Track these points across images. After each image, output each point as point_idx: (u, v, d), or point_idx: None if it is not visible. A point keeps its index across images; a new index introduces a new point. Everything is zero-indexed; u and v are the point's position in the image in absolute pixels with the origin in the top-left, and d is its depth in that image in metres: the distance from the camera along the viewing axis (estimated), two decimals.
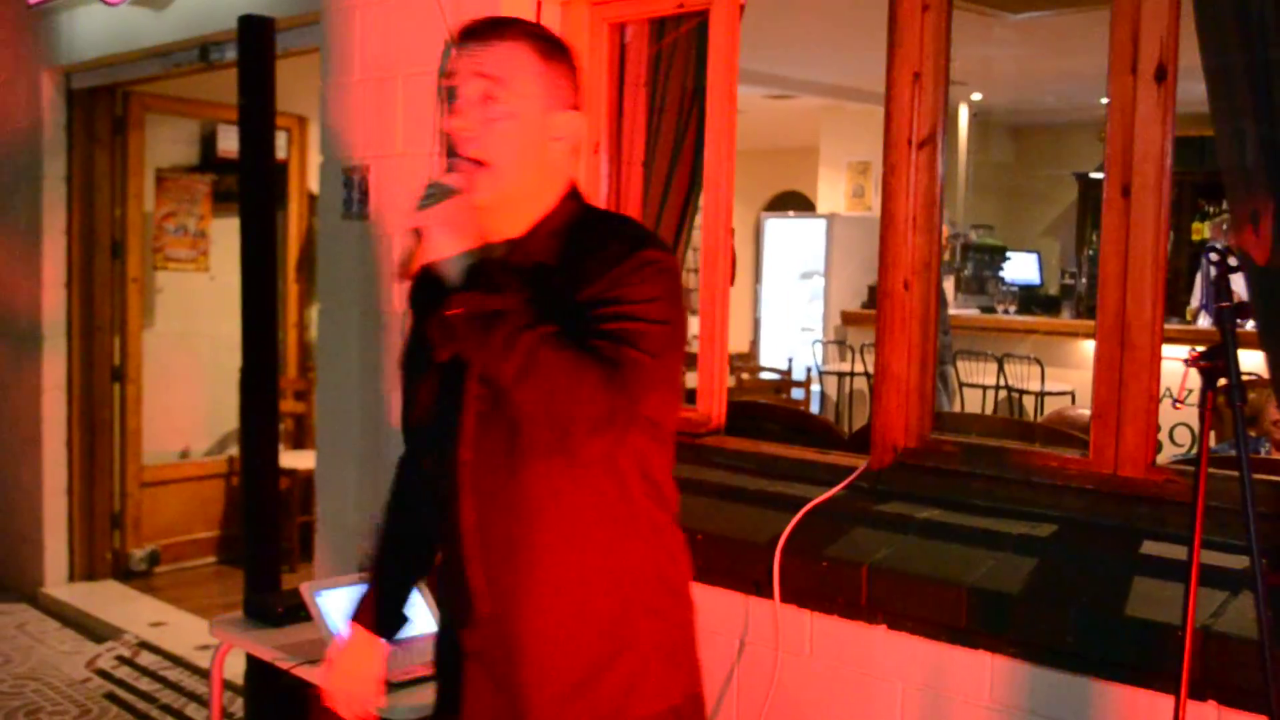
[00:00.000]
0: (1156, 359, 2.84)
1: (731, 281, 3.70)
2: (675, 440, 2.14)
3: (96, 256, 6.38)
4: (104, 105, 6.32)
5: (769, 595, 3.12)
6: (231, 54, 5.06)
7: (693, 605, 2.18)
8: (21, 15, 6.22)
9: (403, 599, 2.33)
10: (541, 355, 1.77)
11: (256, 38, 3.80)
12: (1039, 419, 8.35)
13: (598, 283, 1.87)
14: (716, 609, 3.29)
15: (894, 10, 3.19)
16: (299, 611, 3.22)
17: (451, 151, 1.96)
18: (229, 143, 6.98)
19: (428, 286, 2.02)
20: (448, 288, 1.86)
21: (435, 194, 1.88)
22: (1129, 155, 2.84)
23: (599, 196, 3.92)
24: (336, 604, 3.08)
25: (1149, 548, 2.75)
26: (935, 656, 2.87)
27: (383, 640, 2.30)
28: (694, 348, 6.96)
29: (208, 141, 7.09)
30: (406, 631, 2.38)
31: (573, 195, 2.04)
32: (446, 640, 2.13)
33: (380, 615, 2.30)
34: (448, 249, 1.85)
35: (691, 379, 7.48)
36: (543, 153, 1.96)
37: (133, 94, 6.36)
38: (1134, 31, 2.83)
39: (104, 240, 6.39)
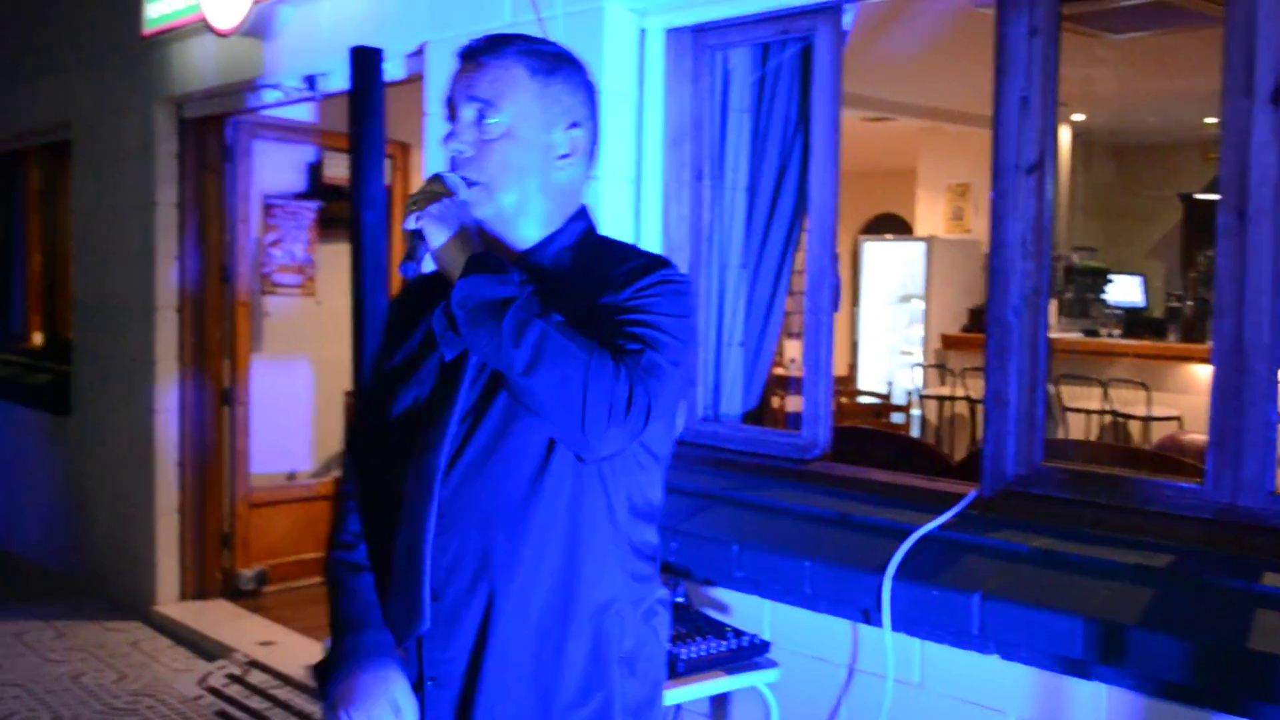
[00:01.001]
0: (1275, 384, 2.79)
1: (838, 307, 3.69)
2: (666, 478, 2.07)
3: (207, 282, 6.51)
4: (214, 134, 6.46)
5: (878, 623, 3.10)
6: (338, 83, 5.17)
7: (664, 670, 2.10)
8: (136, 47, 6.39)
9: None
10: (554, 340, 1.76)
11: (367, 69, 3.87)
12: (1150, 445, 8.20)
13: (619, 292, 1.88)
14: (824, 636, 3.28)
15: (1000, 35, 3.17)
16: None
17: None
18: (335, 170, 7.10)
19: (418, 295, 2.05)
20: (449, 283, 1.85)
21: (429, 193, 1.91)
22: (1244, 180, 2.79)
23: (703, 222, 3.94)
24: None
25: (1271, 579, 2.69)
26: (1050, 688, 2.84)
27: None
28: (791, 370, 6.96)
29: (314, 169, 7.22)
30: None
31: (582, 215, 2.05)
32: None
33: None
34: (451, 247, 1.88)
35: (795, 402, 7.47)
36: (546, 171, 1.97)
37: (242, 122, 6.49)
38: (1249, 52, 2.79)
39: (214, 266, 6.52)
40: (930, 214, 11.67)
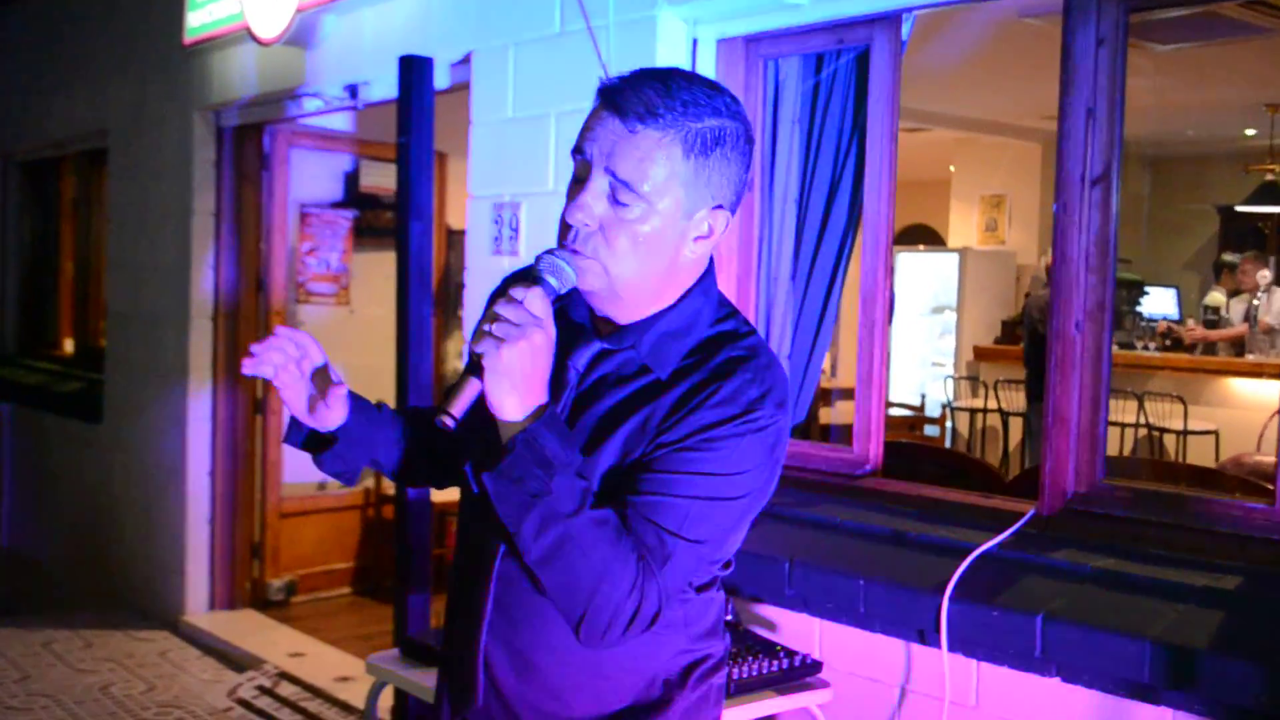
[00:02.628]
0: None
1: (891, 320, 3.64)
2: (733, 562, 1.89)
3: (242, 291, 6.49)
4: (252, 142, 6.44)
5: (934, 644, 3.04)
6: (380, 93, 5.13)
7: None
8: (175, 55, 6.38)
9: (366, 425, 2.02)
10: (573, 545, 1.58)
11: (417, 77, 3.83)
12: (1181, 459, 8.11)
13: (683, 421, 1.65)
14: (877, 656, 3.22)
15: (1066, 46, 3.12)
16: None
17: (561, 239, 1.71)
18: (371, 179, 7.09)
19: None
20: (496, 435, 1.61)
21: (511, 312, 1.58)
22: None
23: (753, 235, 3.88)
24: None
25: None
26: (1114, 712, 2.78)
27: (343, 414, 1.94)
28: (832, 381, 6.90)
29: (350, 178, 7.19)
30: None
31: (704, 289, 1.78)
32: None
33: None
34: (509, 403, 1.58)
35: (838, 412, 7.40)
36: (676, 256, 1.71)
37: (279, 131, 6.47)
38: None
39: (249, 275, 6.50)
40: (963, 225, 11.60)
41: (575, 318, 1.79)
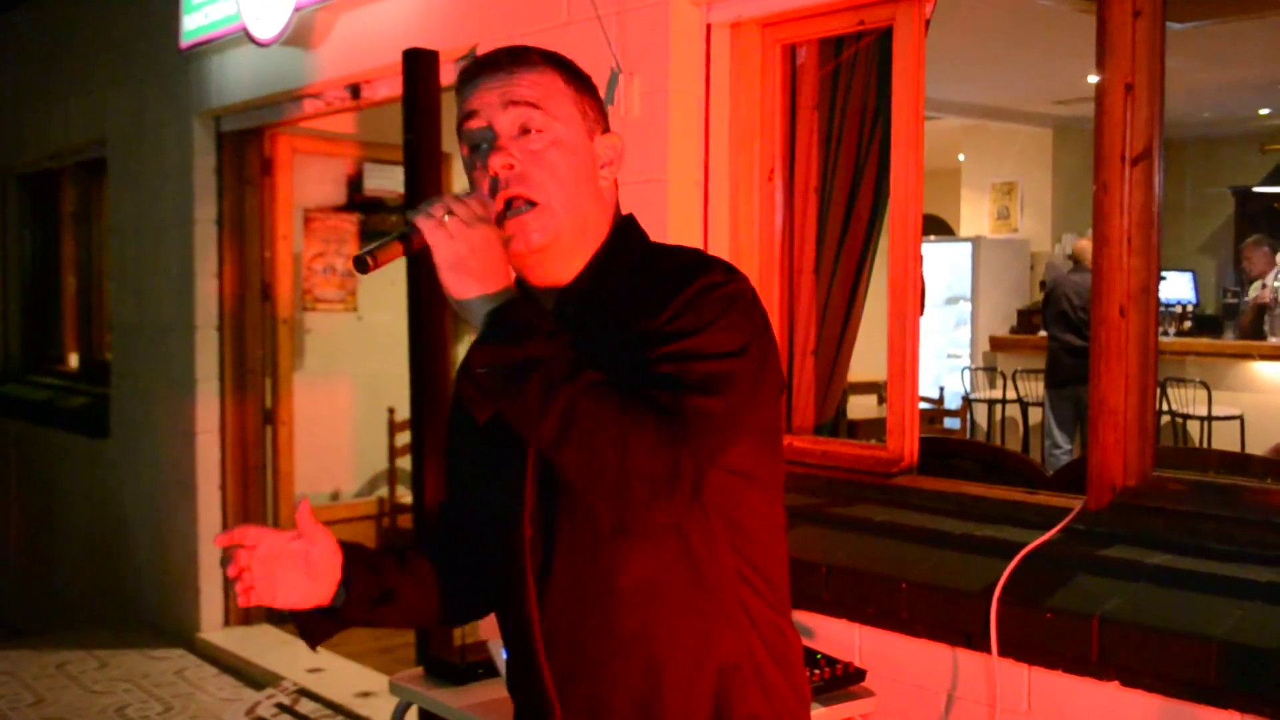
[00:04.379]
0: None
1: (921, 311, 3.50)
2: (783, 496, 1.81)
3: (247, 299, 6.36)
4: (253, 147, 6.32)
5: (982, 648, 2.91)
6: (384, 91, 5.01)
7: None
8: (173, 61, 6.25)
9: (387, 574, 1.85)
10: (583, 410, 1.50)
11: (422, 72, 3.70)
12: (1207, 445, 7.98)
13: (654, 318, 1.62)
14: (922, 662, 3.09)
15: (1103, 18, 2.98)
16: (477, 668, 3.08)
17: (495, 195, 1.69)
18: (375, 181, 6.97)
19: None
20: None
21: (458, 207, 1.61)
22: None
23: (775, 225, 3.75)
24: None
25: None
26: (1177, 717, 2.63)
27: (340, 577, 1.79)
28: (859, 376, 6.75)
29: (354, 181, 7.07)
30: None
31: (625, 226, 1.81)
32: None
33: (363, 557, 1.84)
34: (466, 288, 1.58)
35: (861, 406, 7.26)
36: (594, 182, 1.75)
37: (281, 135, 6.35)
38: None
39: (254, 282, 6.37)
40: (975, 214, 11.48)
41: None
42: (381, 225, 7.02)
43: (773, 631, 1.75)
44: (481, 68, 1.73)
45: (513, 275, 1.65)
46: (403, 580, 1.86)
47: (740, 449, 1.65)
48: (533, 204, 1.67)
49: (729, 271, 1.68)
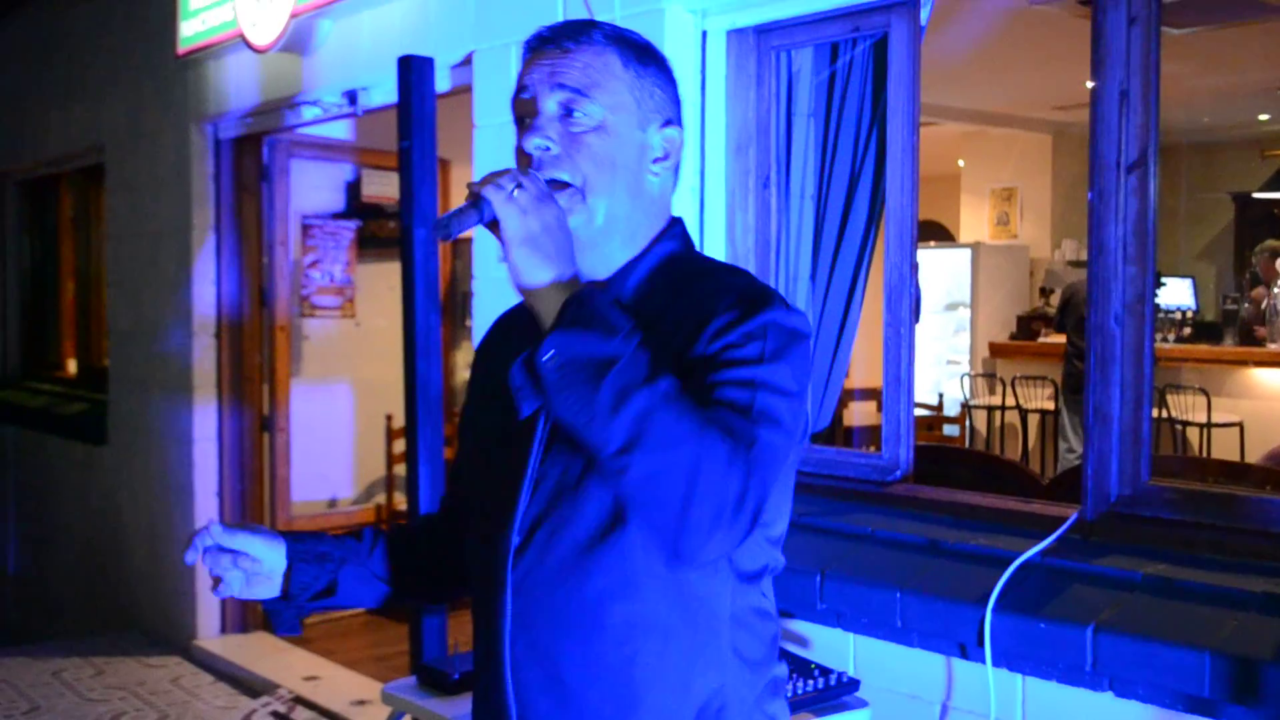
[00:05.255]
0: None
1: (919, 318, 3.49)
2: (781, 544, 1.73)
3: (245, 305, 6.36)
4: (251, 153, 6.31)
5: (976, 658, 2.90)
6: (380, 98, 5.01)
7: None
8: (170, 67, 6.25)
9: (342, 574, 1.84)
10: (659, 418, 1.40)
11: (417, 78, 3.69)
12: (1208, 454, 7.96)
13: (716, 339, 1.53)
14: (916, 672, 3.08)
15: (1097, 25, 2.97)
16: (471, 678, 3.06)
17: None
18: (373, 188, 6.97)
19: (509, 330, 1.78)
20: (538, 326, 1.49)
21: (527, 182, 1.51)
22: None
23: (770, 233, 3.74)
24: None
25: None
26: None
27: (281, 566, 1.80)
28: (857, 382, 6.73)
29: (352, 187, 7.06)
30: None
31: (674, 234, 1.72)
32: None
33: (304, 555, 1.81)
34: (538, 270, 1.49)
35: (858, 413, 7.25)
36: (640, 177, 1.66)
37: (278, 141, 6.34)
38: None
39: (252, 289, 6.36)
40: (975, 220, 11.46)
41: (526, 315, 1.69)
42: (380, 232, 7.02)
43: (760, 677, 1.68)
44: (542, 41, 1.67)
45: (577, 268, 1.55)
46: (358, 569, 1.85)
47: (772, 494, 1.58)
48: (565, 185, 1.61)
49: (792, 306, 1.61)
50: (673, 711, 1.59)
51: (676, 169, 1.74)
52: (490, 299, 4.29)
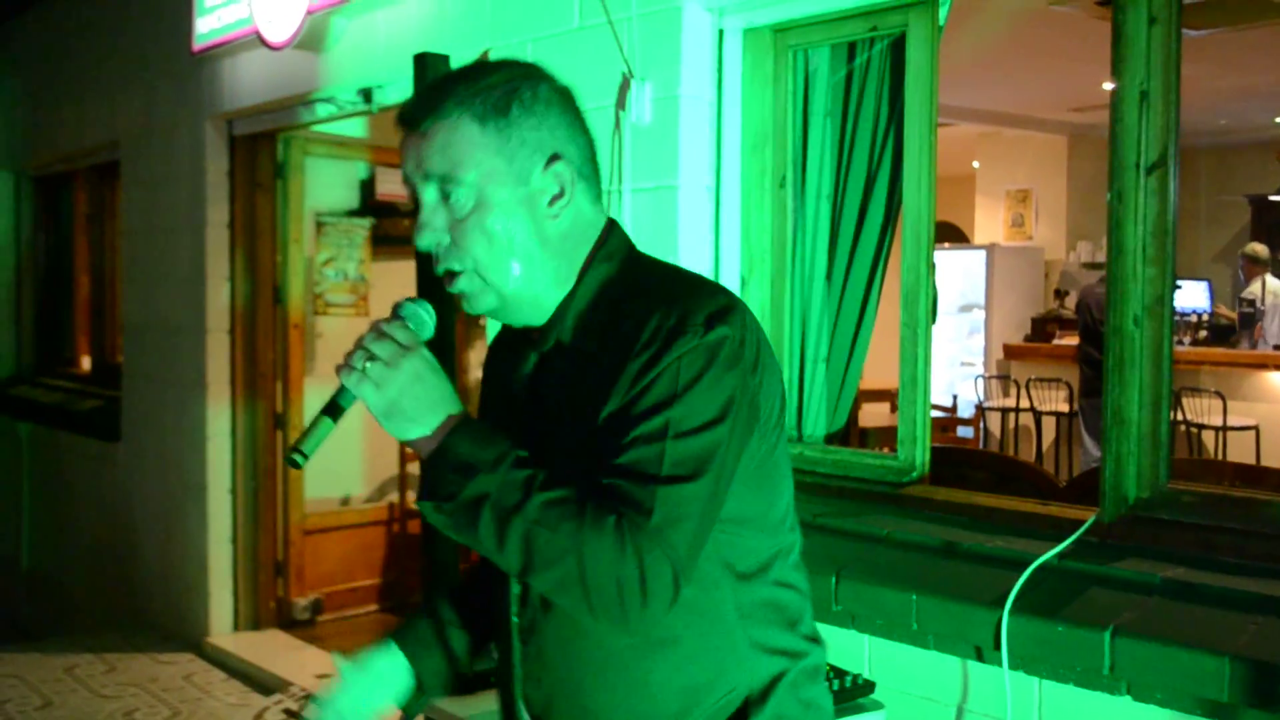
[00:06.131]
0: None
1: (934, 320, 3.47)
2: (790, 520, 1.74)
3: (259, 303, 6.35)
4: (265, 151, 6.31)
5: (993, 661, 2.87)
6: (395, 95, 5.00)
7: None
8: (185, 64, 6.25)
9: (456, 647, 1.92)
10: (540, 538, 1.47)
11: (432, 77, 3.68)
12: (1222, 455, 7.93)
13: (632, 385, 1.53)
14: (931, 674, 3.06)
15: (1118, 25, 2.95)
16: (488, 677, 3.04)
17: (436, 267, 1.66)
18: (388, 186, 6.95)
19: (503, 350, 1.80)
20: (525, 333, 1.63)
21: (379, 348, 1.57)
22: None
23: (786, 233, 3.72)
24: None
25: None
26: None
27: (406, 674, 1.88)
28: (872, 383, 6.71)
29: (367, 185, 7.05)
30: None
31: (603, 255, 1.69)
32: None
33: (419, 645, 1.89)
34: (404, 430, 1.56)
35: (872, 414, 7.21)
36: (539, 226, 1.63)
37: (293, 138, 6.33)
38: None
39: (265, 286, 6.36)
40: (989, 221, 11.44)
41: (509, 336, 1.78)
42: (394, 230, 7.00)
43: (788, 664, 1.69)
44: (403, 124, 1.65)
45: (454, 404, 1.59)
46: (459, 632, 1.92)
47: (729, 501, 1.59)
48: (465, 271, 1.63)
49: (710, 318, 1.56)
50: (693, 712, 1.62)
51: (589, 183, 1.70)
52: None
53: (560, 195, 1.65)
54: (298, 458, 1.56)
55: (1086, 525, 2.99)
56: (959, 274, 10.60)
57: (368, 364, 1.55)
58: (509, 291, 1.63)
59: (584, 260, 1.68)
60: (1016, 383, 9.41)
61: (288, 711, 5.39)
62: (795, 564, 1.74)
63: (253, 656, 6.02)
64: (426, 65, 3.68)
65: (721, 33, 3.73)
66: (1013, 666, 2.83)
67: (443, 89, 1.63)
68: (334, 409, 1.58)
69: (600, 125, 3.86)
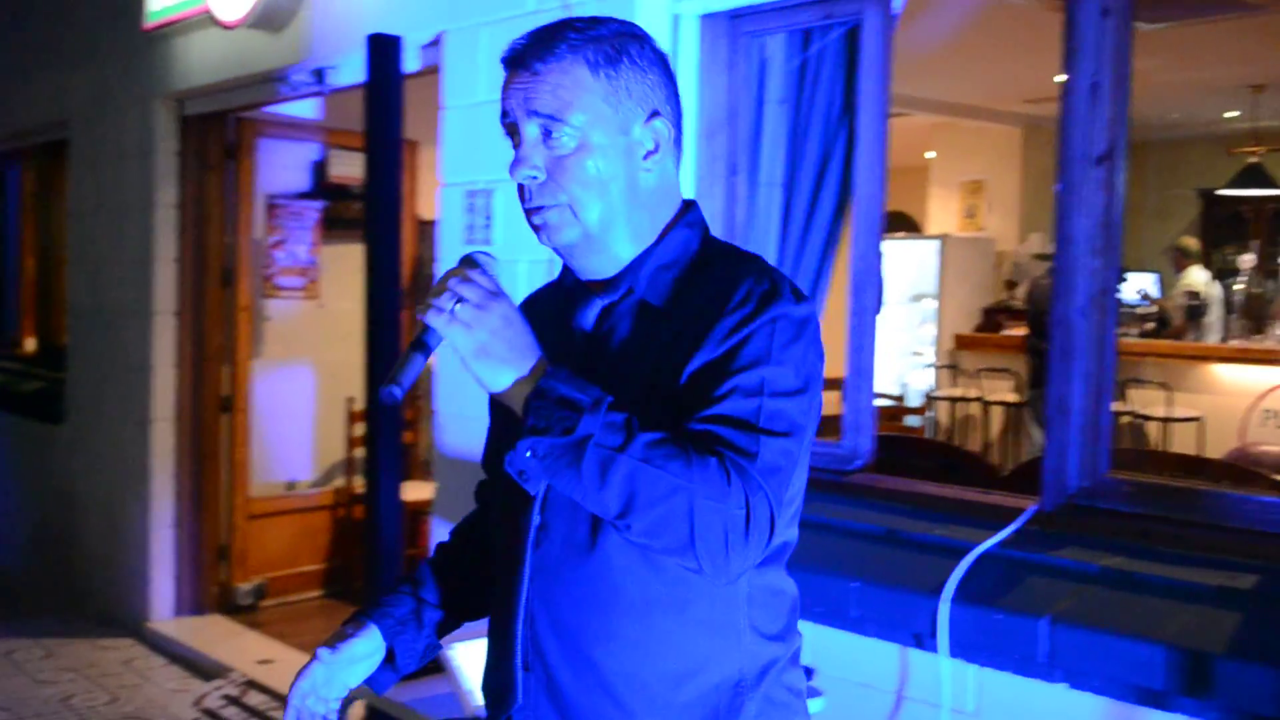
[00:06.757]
0: None
1: (882, 308, 3.48)
2: (799, 509, 1.76)
3: (207, 285, 6.29)
4: (216, 131, 6.24)
5: (932, 649, 2.89)
6: (348, 77, 4.95)
7: None
8: (136, 41, 6.17)
9: (430, 625, 1.93)
10: (644, 479, 1.46)
11: (384, 58, 3.65)
12: (1167, 447, 8.00)
13: (718, 336, 1.58)
14: (871, 661, 3.08)
15: (1070, 15, 2.96)
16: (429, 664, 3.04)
17: (527, 204, 1.69)
18: (340, 168, 6.89)
19: (531, 314, 1.75)
20: (560, 310, 1.64)
21: (458, 278, 1.56)
22: None
23: (737, 220, 3.72)
24: (471, 659, 2.89)
25: None
26: (1124, 719, 2.63)
27: (381, 653, 1.89)
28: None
29: (318, 167, 6.99)
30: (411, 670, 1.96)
31: (687, 221, 1.75)
32: None
33: (397, 624, 1.89)
34: (497, 376, 1.54)
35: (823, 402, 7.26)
36: (632, 177, 1.68)
37: (244, 119, 6.27)
38: None
39: (214, 269, 6.30)
40: (943, 212, 11.48)
41: (569, 284, 1.77)
42: (346, 213, 6.94)
43: (778, 650, 1.72)
44: (512, 62, 1.68)
45: (539, 350, 1.58)
46: (435, 610, 1.93)
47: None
48: (556, 206, 1.66)
49: (797, 293, 1.64)
50: (690, 682, 1.65)
51: (678, 150, 1.75)
52: None
53: (655, 151, 1.70)
54: (395, 389, 1.54)
55: (1027, 514, 3.01)
56: (911, 264, 10.62)
57: (456, 306, 1.54)
58: (595, 231, 1.67)
59: (665, 222, 1.74)
60: (966, 372, 9.46)
61: (228, 697, 5.35)
62: (789, 559, 1.79)
63: (194, 641, 5.98)
64: (379, 47, 3.65)
65: (677, 18, 3.72)
66: (952, 654, 2.85)
67: (557, 33, 1.66)
68: (422, 346, 1.56)
69: None
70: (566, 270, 1.77)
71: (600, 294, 1.72)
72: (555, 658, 1.67)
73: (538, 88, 1.64)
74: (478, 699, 2.57)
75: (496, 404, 1.82)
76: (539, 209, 1.67)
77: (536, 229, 1.68)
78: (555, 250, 1.71)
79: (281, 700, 5.24)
